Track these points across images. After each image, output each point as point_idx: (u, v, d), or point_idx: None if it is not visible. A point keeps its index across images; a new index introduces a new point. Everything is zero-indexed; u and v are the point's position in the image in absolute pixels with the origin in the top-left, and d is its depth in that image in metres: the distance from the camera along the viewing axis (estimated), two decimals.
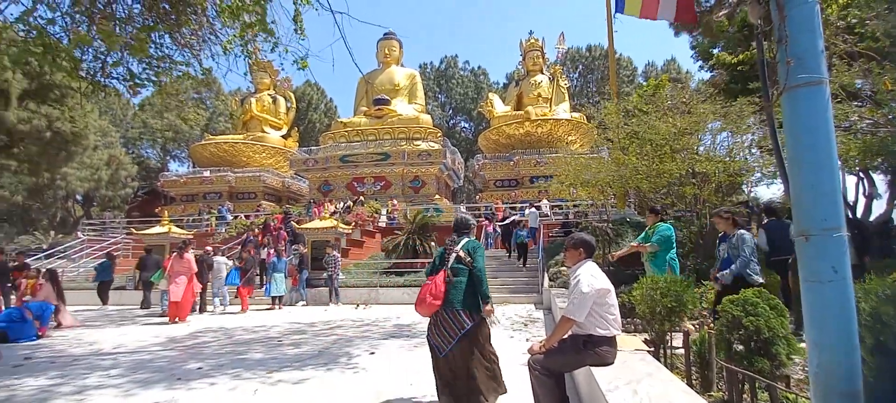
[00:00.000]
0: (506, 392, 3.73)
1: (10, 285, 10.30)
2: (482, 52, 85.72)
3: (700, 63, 18.30)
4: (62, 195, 31.02)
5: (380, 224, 19.69)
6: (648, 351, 3.73)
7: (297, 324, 8.88)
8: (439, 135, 27.49)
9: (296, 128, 34.22)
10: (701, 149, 9.23)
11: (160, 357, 6.13)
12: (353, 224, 17.31)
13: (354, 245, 16.56)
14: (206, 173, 27.77)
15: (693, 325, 4.78)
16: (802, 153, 1.69)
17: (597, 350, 3.15)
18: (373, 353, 6.05)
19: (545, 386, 3.23)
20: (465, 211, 16.08)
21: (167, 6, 4.85)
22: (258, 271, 12.64)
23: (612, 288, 3.27)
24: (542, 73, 29.38)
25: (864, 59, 5.53)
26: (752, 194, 15.14)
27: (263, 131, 30.88)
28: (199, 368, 5.39)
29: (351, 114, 30.34)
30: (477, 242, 3.81)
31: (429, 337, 3.71)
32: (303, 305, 12.37)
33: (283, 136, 31.81)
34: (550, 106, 27.36)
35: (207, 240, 17.85)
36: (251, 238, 14.42)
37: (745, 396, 3.14)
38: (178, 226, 17.44)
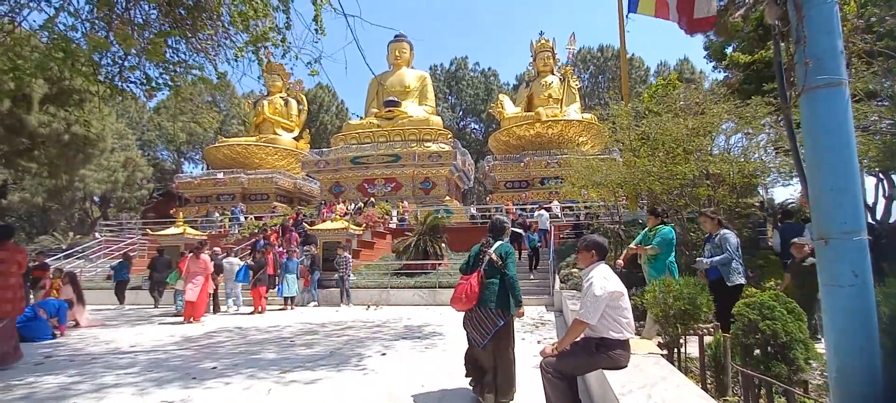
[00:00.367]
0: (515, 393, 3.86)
1: (28, 285, 10.54)
2: (492, 53, 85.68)
3: (713, 63, 18.08)
4: (80, 196, 31.67)
5: (390, 225, 19.75)
6: (662, 355, 3.70)
7: (309, 325, 8.95)
8: (450, 136, 27.52)
9: (307, 130, 34.53)
10: (715, 150, 9.10)
11: (176, 356, 6.23)
12: (364, 225, 17.39)
13: (365, 246, 16.64)
14: (220, 175, 28.16)
15: (707, 328, 4.73)
16: (822, 155, 1.66)
17: (610, 353, 3.13)
18: (384, 354, 6.07)
19: (558, 389, 3.22)
20: (500, 213, 16.07)
21: (183, 11, 4.94)
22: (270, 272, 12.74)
23: (625, 290, 3.25)
24: (553, 74, 29.25)
25: (883, 58, 5.41)
26: (768, 196, 14.89)
27: (276, 133, 31.21)
28: (214, 367, 5.47)
29: (362, 115, 30.52)
30: (509, 246, 4.03)
31: (465, 329, 4.04)
32: (314, 306, 12.46)
33: (294, 138, 32.12)
34: (561, 107, 27.23)
35: (219, 241, 18.09)
36: (261, 243, 14.47)
37: (761, 401, 3.09)
38: (192, 227, 17.70)
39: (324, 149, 29.23)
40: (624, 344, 3.18)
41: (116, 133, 30.21)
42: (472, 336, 3.92)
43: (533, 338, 7.04)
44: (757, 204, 11.63)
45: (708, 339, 3.94)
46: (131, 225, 26.68)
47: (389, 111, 27.71)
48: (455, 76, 51.33)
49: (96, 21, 4.68)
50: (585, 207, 18.46)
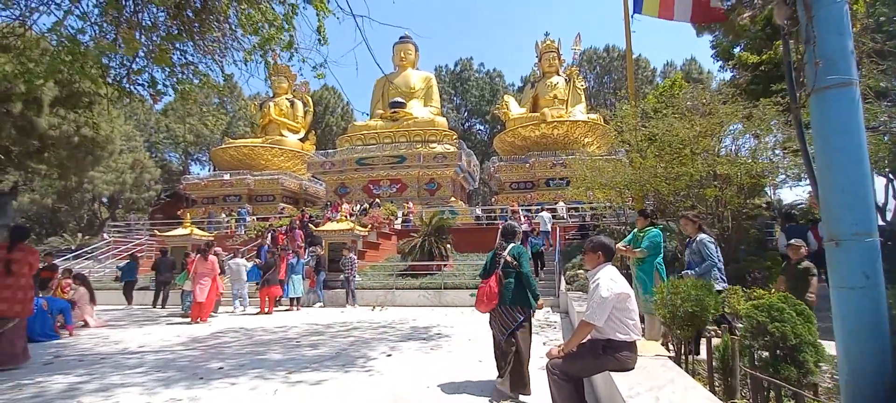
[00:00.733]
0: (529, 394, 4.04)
1: (37, 286, 10.65)
2: (497, 54, 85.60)
3: (720, 63, 17.94)
4: (89, 198, 31.97)
5: (396, 226, 19.78)
6: (669, 357, 3.67)
7: (315, 326, 8.98)
8: (455, 137, 27.53)
9: (313, 132, 34.69)
10: (722, 151, 9.04)
11: (183, 356, 6.27)
12: (370, 226, 17.43)
13: (370, 247, 16.67)
14: (227, 176, 28.35)
15: (713, 330, 4.68)
16: (832, 156, 1.64)
17: (616, 355, 3.12)
18: (390, 355, 6.08)
19: (564, 391, 3.21)
20: (511, 218, 16.06)
21: (191, 14, 4.98)
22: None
23: (631, 292, 3.24)
24: (558, 75, 29.19)
25: (893, 57, 5.35)
26: (776, 197, 14.76)
27: (281, 135, 31.38)
28: (221, 368, 5.50)
29: (367, 116, 30.60)
30: (522, 247, 4.35)
31: (491, 326, 4.36)
32: (320, 307, 12.50)
33: (300, 139, 32.27)
34: (566, 107, 27.16)
35: (225, 242, 18.20)
36: (266, 249, 14.44)
37: None
38: (199, 228, 17.82)
39: (329, 151, 29.35)
40: (631, 346, 3.17)
41: (125, 135, 30.49)
42: (495, 333, 4.27)
43: (538, 340, 7.01)
44: (763, 205, 11.52)
45: (715, 341, 3.91)
46: (139, 227, 26.91)
47: (395, 112, 27.76)
48: (460, 77, 51.34)
49: (104, 24, 4.73)
50: (591, 208, 18.39)
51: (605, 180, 10.69)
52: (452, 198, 24.76)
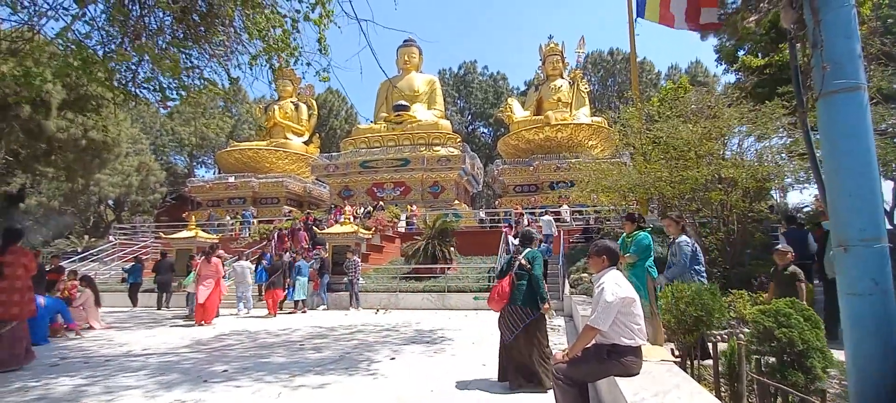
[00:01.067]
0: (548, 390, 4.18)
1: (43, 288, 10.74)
2: (501, 57, 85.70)
3: (724, 66, 17.86)
4: (95, 200, 32.20)
5: (399, 229, 19.79)
6: (675, 362, 3.64)
7: (318, 328, 8.98)
8: (458, 140, 27.54)
9: (317, 135, 34.81)
10: (727, 154, 8.98)
11: (187, 359, 6.28)
12: (373, 229, 17.45)
13: (374, 250, 16.68)
14: (231, 179, 28.48)
15: (720, 335, 4.65)
16: (840, 160, 1.63)
17: (622, 360, 3.10)
18: (393, 359, 6.07)
19: (568, 396, 3.19)
20: (549, 224, 16.09)
21: (196, 18, 5.01)
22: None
23: (636, 296, 3.21)
24: (562, 78, 29.17)
25: None
26: (782, 200, 14.66)
27: (286, 138, 31.51)
28: (224, 371, 5.51)
29: (371, 120, 30.69)
30: (536, 252, 4.63)
31: (499, 326, 4.58)
32: (324, 309, 12.51)
33: (304, 143, 32.39)
34: (570, 110, 27.12)
35: (229, 245, 18.27)
36: (269, 256, 14.38)
37: None
38: (203, 231, 17.90)
39: (333, 154, 29.44)
40: (636, 351, 3.14)
41: (131, 138, 30.71)
42: (502, 332, 4.49)
43: None
44: (766, 208, 11.43)
45: (722, 346, 3.88)
46: (144, 229, 27.05)
47: (398, 115, 27.81)
48: (464, 80, 51.40)
49: (111, 28, 4.77)
50: (595, 211, 18.32)
51: (610, 183, 10.65)
52: (456, 201, 24.76)
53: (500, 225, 19.84)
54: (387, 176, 25.70)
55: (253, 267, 13.24)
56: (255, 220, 23.36)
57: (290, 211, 26.70)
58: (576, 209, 20.19)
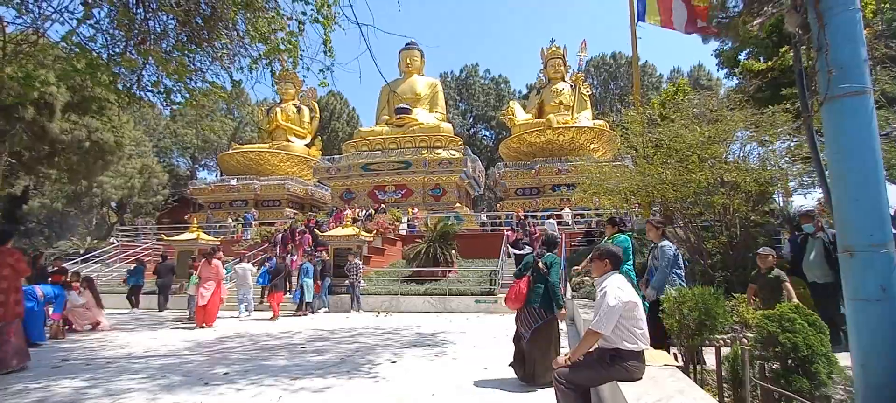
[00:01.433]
0: None
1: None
2: (503, 60, 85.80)
3: (725, 70, 17.86)
4: (98, 202, 32.28)
5: (401, 232, 19.78)
6: (678, 367, 3.62)
7: (319, 331, 8.97)
8: (460, 143, 27.54)
9: (319, 137, 34.85)
10: (729, 157, 8.95)
11: (188, 361, 6.27)
12: (375, 232, 17.44)
13: (376, 253, 16.67)
14: (233, 181, 28.52)
15: (723, 339, 4.62)
16: (846, 166, 1.61)
17: (624, 364, 3.08)
18: (394, 362, 6.05)
19: (570, 400, 3.17)
20: (553, 228, 16.08)
21: (200, 21, 5.03)
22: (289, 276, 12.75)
23: (639, 301, 3.20)
24: (564, 81, 29.16)
25: None
26: (783, 204, 14.60)
27: (288, 140, 31.57)
28: (226, 373, 5.50)
29: (373, 123, 30.73)
30: (555, 257, 4.78)
31: (516, 323, 4.83)
32: (325, 312, 12.50)
33: (306, 145, 32.45)
34: (572, 113, 27.10)
35: (230, 248, 18.28)
36: (273, 261, 14.33)
37: None
38: (205, 233, 17.92)
39: (335, 156, 29.46)
40: (639, 356, 3.12)
41: (134, 140, 30.81)
42: (520, 330, 4.71)
43: None
44: (769, 211, 11.38)
45: (725, 351, 3.85)
46: (147, 231, 27.10)
47: (400, 118, 27.84)
48: (466, 83, 51.44)
49: (115, 32, 4.79)
50: (597, 215, 18.28)
51: (612, 186, 10.61)
52: (458, 204, 24.74)
53: (501, 228, 19.82)
54: (388, 178, 25.71)
55: (255, 269, 13.25)
56: (255, 223, 23.38)
57: (295, 214, 26.73)
58: (578, 212, 20.14)
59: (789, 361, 3.00)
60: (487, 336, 8.21)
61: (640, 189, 9.51)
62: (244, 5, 4.69)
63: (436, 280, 13.59)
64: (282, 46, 4.93)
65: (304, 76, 24.67)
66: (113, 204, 35.00)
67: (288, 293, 12.58)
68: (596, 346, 3.17)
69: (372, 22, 5.00)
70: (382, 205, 21.99)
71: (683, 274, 5.16)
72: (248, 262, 13.07)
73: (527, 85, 48.64)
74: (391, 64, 32.52)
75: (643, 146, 9.50)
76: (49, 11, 5.00)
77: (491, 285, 12.88)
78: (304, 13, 4.95)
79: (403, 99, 28.88)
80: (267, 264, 13.14)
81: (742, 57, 15.43)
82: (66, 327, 9.09)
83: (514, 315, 4.86)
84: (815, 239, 6.24)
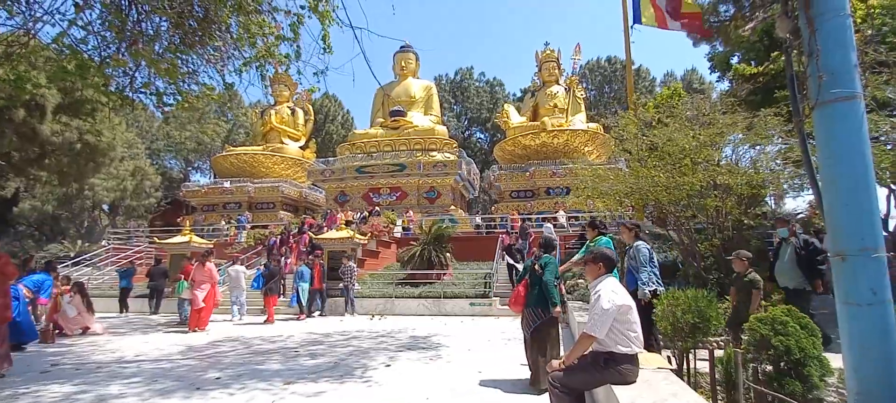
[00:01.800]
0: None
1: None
2: (498, 63, 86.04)
3: (717, 74, 17.98)
4: (89, 205, 31.97)
5: (395, 234, 19.74)
6: (672, 370, 3.63)
7: (313, 335, 8.92)
8: (455, 145, 27.55)
9: (313, 140, 34.74)
10: (722, 160, 9.03)
11: (180, 365, 6.21)
12: (369, 234, 17.39)
13: (370, 255, 16.62)
14: (227, 184, 28.35)
15: (717, 342, 4.64)
16: (837, 170, 1.63)
17: (618, 368, 3.08)
18: (389, 366, 6.02)
19: None
20: (550, 231, 16.01)
21: (193, 23, 5.00)
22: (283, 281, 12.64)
23: (633, 304, 3.20)
24: (558, 84, 29.28)
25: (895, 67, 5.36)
26: (775, 207, 14.72)
27: (282, 142, 31.44)
28: (218, 378, 5.45)
29: (368, 125, 30.69)
30: (551, 258, 4.88)
31: (521, 326, 5.01)
32: (319, 315, 12.43)
33: (301, 147, 32.33)
34: (566, 116, 27.20)
35: (223, 251, 18.15)
36: (270, 266, 14.21)
37: None
38: (198, 236, 17.78)
39: (330, 159, 29.37)
40: (632, 359, 3.13)
41: (126, 142, 30.56)
42: (523, 331, 4.88)
43: None
44: (761, 213, 11.47)
45: (718, 353, 3.87)
46: (139, 234, 26.86)
47: (395, 121, 27.82)
48: (460, 86, 51.53)
49: (107, 34, 4.75)
50: (591, 217, 18.31)
51: (606, 189, 10.66)
52: (452, 207, 24.74)
53: (496, 230, 19.82)
54: (383, 181, 25.67)
55: (248, 271, 13.16)
56: (248, 225, 23.24)
57: (291, 220, 26.61)
58: (572, 214, 20.20)
59: (782, 364, 3.02)
60: (482, 339, 8.20)
61: (633, 192, 9.56)
62: (236, 8, 4.67)
63: (430, 283, 13.57)
64: (273, 50, 4.91)
65: (298, 78, 24.68)
66: (105, 206, 34.69)
67: (281, 296, 12.49)
68: (590, 349, 3.17)
69: (366, 25, 4.97)
70: (377, 208, 21.94)
71: (658, 271, 5.23)
72: (241, 264, 12.97)
73: (521, 88, 48.82)
74: (386, 67, 32.52)
75: (637, 149, 9.55)
76: (40, 13, 4.95)
77: (486, 288, 12.87)
78: (303, 7, 4.92)
79: (398, 101, 28.88)
80: (261, 268, 13.05)
81: (734, 61, 15.56)
82: (56, 331, 8.97)
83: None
84: (787, 244, 6.30)
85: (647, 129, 9.72)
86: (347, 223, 17.15)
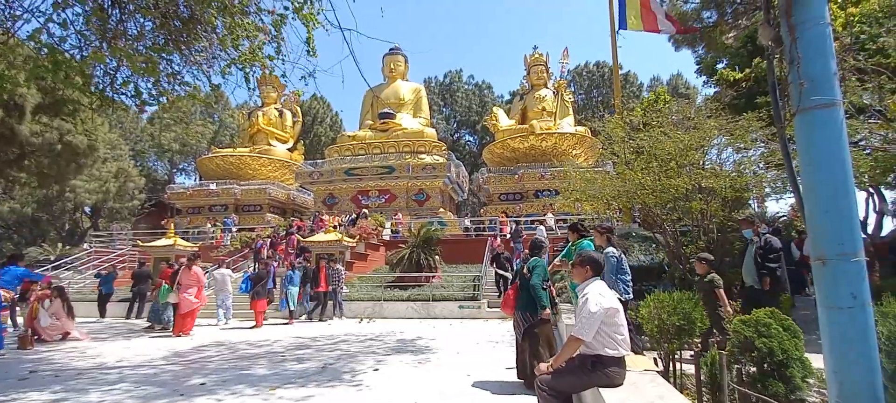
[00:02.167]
0: None
1: (18, 297, 10.38)
2: (487, 66, 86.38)
3: (704, 78, 18.28)
4: (71, 207, 31.27)
5: (384, 237, 19.66)
6: (658, 372, 3.66)
7: (300, 339, 8.82)
8: (444, 148, 27.57)
9: (302, 142, 34.48)
10: (707, 164, 9.16)
11: (164, 371, 6.10)
12: (358, 237, 17.29)
13: (359, 258, 16.53)
14: (213, 186, 27.98)
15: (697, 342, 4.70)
16: (817, 176, 1.66)
17: (606, 370, 3.10)
18: (377, 370, 5.98)
19: None
20: (542, 234, 15.98)
21: (178, 24, 4.92)
22: (273, 285, 12.44)
23: (620, 307, 3.23)
24: (547, 88, 29.50)
25: (874, 74, 5.50)
26: (760, 209, 14.99)
27: (270, 144, 31.15)
28: (203, 384, 5.35)
29: (356, 127, 30.56)
30: (539, 260, 4.89)
31: (513, 328, 5.08)
32: (306, 319, 12.30)
33: (289, 149, 32.06)
34: (555, 120, 27.42)
35: (209, 254, 17.89)
36: (259, 269, 14.00)
37: None
38: (183, 239, 17.51)
39: (318, 161, 29.17)
40: (619, 362, 3.15)
41: (109, 143, 29.94)
42: (515, 334, 4.94)
43: None
44: (744, 217, 11.67)
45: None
46: (122, 236, 26.35)
47: (384, 123, 27.76)
48: (449, 88, 51.59)
49: (88, 33, 4.65)
50: (579, 220, 18.45)
51: (594, 191, 10.75)
52: (441, 209, 24.73)
53: (485, 233, 19.86)
54: (372, 183, 25.57)
55: (234, 275, 12.97)
56: (234, 228, 22.95)
57: (281, 224, 26.36)
58: (561, 217, 20.34)
59: (765, 365, 3.06)
60: (471, 341, 8.19)
61: (621, 195, 9.65)
62: (221, 9, 4.61)
63: (419, 285, 13.54)
64: (257, 52, 4.86)
65: (286, 80, 24.45)
66: (87, 208, 33.96)
67: (271, 301, 12.33)
68: (578, 352, 3.18)
69: (355, 26, 4.95)
70: (365, 210, 21.84)
71: (630, 278, 5.22)
72: (226, 267, 12.79)
73: (510, 91, 49.06)
74: (375, 69, 32.42)
75: (624, 152, 9.65)
76: (19, 11, 4.84)
77: (474, 291, 12.87)
78: (287, 8, 4.89)
79: (387, 104, 28.81)
80: (248, 271, 12.90)
81: (720, 66, 15.83)
82: (35, 337, 8.74)
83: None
84: (751, 245, 6.49)
85: (634, 133, 9.83)
86: (334, 227, 17.02)
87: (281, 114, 32.57)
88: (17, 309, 10.94)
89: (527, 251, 5.15)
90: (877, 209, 12.06)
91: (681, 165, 8.21)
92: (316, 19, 4.77)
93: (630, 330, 4.63)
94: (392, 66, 30.52)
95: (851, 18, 7.44)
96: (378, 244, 18.64)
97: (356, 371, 5.87)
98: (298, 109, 34.33)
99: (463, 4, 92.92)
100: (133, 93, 4.91)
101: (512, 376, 5.24)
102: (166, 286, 10.54)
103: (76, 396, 4.92)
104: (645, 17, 10.08)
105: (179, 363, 6.69)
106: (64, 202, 29.16)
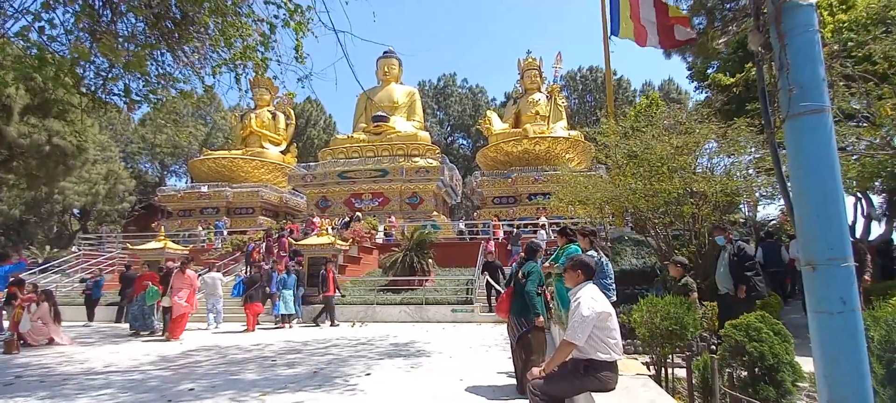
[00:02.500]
0: None
1: (4, 301, 10.21)
2: (480, 70, 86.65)
3: (696, 84, 18.46)
4: (59, 209, 30.85)
5: (377, 240, 19.59)
6: (650, 376, 3.67)
7: (291, 343, 8.75)
8: (437, 151, 27.57)
9: (295, 144, 34.31)
10: (698, 168, 9.23)
11: (152, 377, 6.01)
12: (351, 240, 17.21)
13: (351, 261, 16.45)
14: (204, 188, 27.74)
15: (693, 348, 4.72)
16: (806, 182, 1.67)
17: (598, 375, 3.10)
18: (369, 374, 5.94)
19: None
20: (543, 238, 15.97)
21: (170, 24, 4.87)
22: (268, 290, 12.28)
23: (613, 311, 3.23)
24: (540, 92, 29.64)
25: (861, 81, 5.57)
26: (751, 213, 15.13)
27: (262, 147, 30.96)
28: (191, 389, 5.29)
29: (350, 130, 30.47)
30: (534, 265, 4.83)
31: (507, 332, 5.11)
32: (298, 323, 12.21)
33: (281, 152, 31.89)
34: (548, 124, 27.54)
35: (200, 256, 17.72)
36: (255, 275, 13.84)
37: None
38: (174, 242, 17.33)
39: (311, 164, 29.05)
40: (612, 366, 3.15)
41: (99, 145, 29.60)
42: (510, 338, 4.93)
43: None
44: (735, 221, 11.78)
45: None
46: (111, 239, 26.02)
47: (377, 126, 27.72)
48: (443, 92, 51.66)
49: (78, 32, 4.59)
50: (573, 223, 18.52)
51: (586, 195, 10.79)
52: (435, 213, 24.71)
53: (478, 236, 19.86)
54: (365, 186, 25.49)
55: (224, 278, 12.86)
56: (226, 231, 22.76)
57: (274, 227, 26.16)
58: (554, 221, 20.40)
59: (756, 369, 3.08)
60: (464, 346, 8.17)
61: (613, 199, 9.70)
62: (213, 10, 4.57)
63: (412, 289, 13.49)
64: (249, 54, 4.83)
65: (279, 82, 24.35)
66: (75, 211, 33.52)
67: (265, 304, 12.21)
68: (570, 357, 3.18)
69: (349, 29, 4.93)
70: (359, 214, 21.76)
71: (611, 282, 5.26)
72: (216, 271, 12.68)
73: (504, 94, 49.26)
74: (369, 71, 32.39)
75: (617, 156, 9.70)
76: (10, 11, 4.76)
77: (468, 294, 12.85)
78: (276, 16, 4.87)
79: (381, 107, 28.77)
80: (241, 274, 12.78)
81: (711, 71, 15.99)
82: (21, 342, 8.59)
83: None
84: (724, 252, 6.55)
85: (625, 138, 9.89)
86: (326, 231, 16.91)
87: (274, 116, 32.39)
88: (3, 313, 10.76)
89: (523, 254, 5.09)
90: (864, 213, 12.21)
91: (672, 169, 8.27)
92: (306, 28, 4.76)
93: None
94: (386, 69, 30.51)
95: (840, 25, 7.55)
96: (371, 247, 18.58)
97: (348, 376, 5.83)
98: (291, 112, 34.17)
99: (457, 8, 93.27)
100: (122, 91, 4.85)
101: (505, 380, 5.23)
102: (153, 287, 10.41)
103: (62, 401, 4.83)
104: (636, 31, 10.19)
105: (168, 368, 6.60)
106: (52, 204, 28.76)
